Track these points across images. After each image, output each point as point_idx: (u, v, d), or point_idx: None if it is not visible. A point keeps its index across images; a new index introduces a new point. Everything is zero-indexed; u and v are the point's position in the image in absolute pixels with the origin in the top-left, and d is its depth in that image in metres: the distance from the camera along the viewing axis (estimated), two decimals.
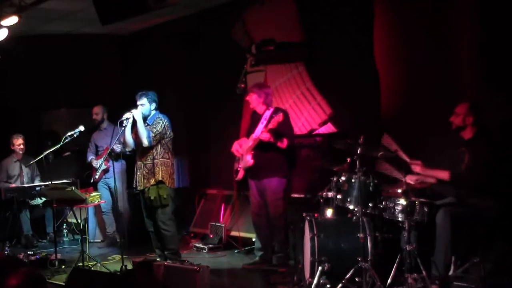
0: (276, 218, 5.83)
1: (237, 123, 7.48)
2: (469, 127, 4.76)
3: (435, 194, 4.90)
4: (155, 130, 5.75)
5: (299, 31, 6.86)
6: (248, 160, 5.82)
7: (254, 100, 5.92)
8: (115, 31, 8.72)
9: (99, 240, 7.71)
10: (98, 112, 7.50)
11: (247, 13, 7.47)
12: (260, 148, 5.74)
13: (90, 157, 7.53)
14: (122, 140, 6.05)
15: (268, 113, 5.82)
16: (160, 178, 5.78)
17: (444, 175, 4.75)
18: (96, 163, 7.36)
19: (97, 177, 7.28)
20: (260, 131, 5.73)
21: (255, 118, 5.98)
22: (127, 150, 6.06)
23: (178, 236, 6.31)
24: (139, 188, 5.89)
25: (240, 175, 5.97)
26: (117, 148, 6.67)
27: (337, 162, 5.24)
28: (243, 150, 5.95)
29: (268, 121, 5.69)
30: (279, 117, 5.52)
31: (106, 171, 7.29)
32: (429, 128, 5.55)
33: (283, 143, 5.69)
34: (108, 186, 7.31)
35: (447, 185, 4.84)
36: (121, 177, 7.19)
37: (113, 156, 6.72)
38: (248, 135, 6.02)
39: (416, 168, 4.81)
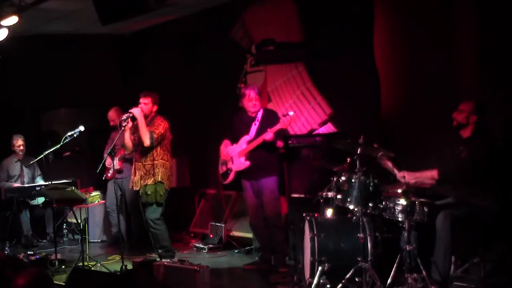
0: (274, 217, 5.82)
1: None
2: (470, 126, 4.76)
3: (435, 194, 4.90)
4: (157, 131, 5.75)
5: (299, 31, 6.86)
6: (243, 162, 5.80)
7: (254, 97, 5.84)
8: (115, 31, 8.71)
9: (100, 240, 7.71)
10: (113, 118, 7.35)
11: (247, 13, 7.47)
12: (257, 148, 5.73)
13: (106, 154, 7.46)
14: (122, 142, 6.05)
15: (260, 114, 5.82)
16: (159, 179, 5.79)
17: (433, 173, 4.75)
18: (109, 163, 7.30)
19: (109, 175, 7.25)
20: (255, 132, 5.73)
21: (244, 120, 5.92)
22: (126, 153, 6.06)
23: (169, 233, 6.25)
24: (135, 188, 5.91)
25: (230, 178, 5.96)
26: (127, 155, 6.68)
27: (337, 162, 5.24)
28: (232, 153, 5.92)
29: (264, 122, 5.70)
30: (292, 118, 5.51)
31: (119, 171, 7.21)
32: (428, 128, 5.54)
33: (281, 143, 5.74)
34: (119, 186, 7.25)
35: (447, 185, 4.84)
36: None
37: (124, 159, 6.72)
38: (231, 138, 6.00)
39: (403, 178, 4.76)
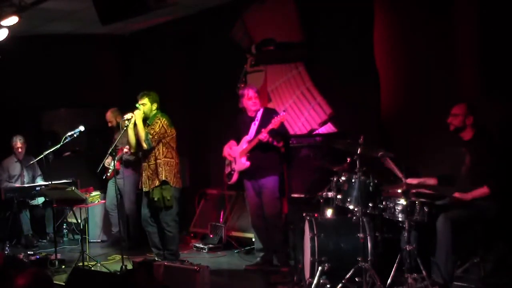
0: (273, 217, 5.79)
1: None
2: (468, 128, 4.75)
3: (435, 194, 4.89)
4: (152, 132, 5.73)
5: (299, 31, 6.86)
6: (244, 162, 5.79)
7: (254, 96, 5.83)
8: (115, 31, 8.71)
9: (100, 240, 7.71)
10: (111, 120, 7.36)
11: (247, 13, 7.47)
12: (256, 148, 5.70)
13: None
14: (124, 141, 6.05)
15: (259, 114, 5.81)
16: (163, 178, 5.76)
17: (484, 191, 4.59)
18: (109, 163, 7.30)
19: (109, 174, 7.25)
20: (254, 132, 5.71)
21: (245, 120, 5.93)
22: (130, 151, 6.05)
23: (179, 237, 6.28)
24: (144, 189, 5.90)
25: (234, 178, 5.95)
26: (126, 154, 6.67)
27: (337, 162, 5.24)
28: (235, 153, 5.92)
29: (263, 122, 5.67)
30: (282, 117, 5.47)
31: (117, 172, 7.19)
32: (429, 128, 5.55)
33: (280, 142, 5.69)
34: (118, 186, 7.25)
35: (447, 185, 4.84)
36: (132, 179, 7.16)
37: (122, 160, 6.69)
38: (236, 138, 5.98)
39: (457, 195, 4.70)
